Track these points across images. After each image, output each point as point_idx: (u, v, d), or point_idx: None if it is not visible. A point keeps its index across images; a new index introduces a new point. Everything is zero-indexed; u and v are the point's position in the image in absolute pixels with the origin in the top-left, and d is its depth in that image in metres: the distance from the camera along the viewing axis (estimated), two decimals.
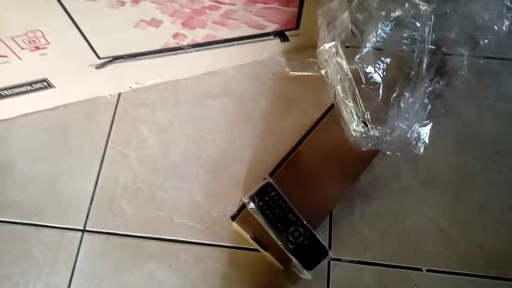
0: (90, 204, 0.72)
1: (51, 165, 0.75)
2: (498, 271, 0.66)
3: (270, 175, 0.69)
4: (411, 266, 0.67)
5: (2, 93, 0.72)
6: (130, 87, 0.80)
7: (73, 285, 0.66)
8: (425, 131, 0.74)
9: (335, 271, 0.66)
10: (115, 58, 0.72)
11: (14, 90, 0.72)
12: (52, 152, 0.76)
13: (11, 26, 0.59)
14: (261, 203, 0.64)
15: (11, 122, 0.78)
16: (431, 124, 0.73)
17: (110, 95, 0.80)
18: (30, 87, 0.73)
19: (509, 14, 0.81)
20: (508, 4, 0.81)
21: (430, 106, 0.74)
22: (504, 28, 0.80)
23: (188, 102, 0.80)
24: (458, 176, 0.73)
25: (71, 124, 0.78)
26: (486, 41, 0.81)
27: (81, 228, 0.70)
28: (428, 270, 0.66)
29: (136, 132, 0.77)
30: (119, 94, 0.80)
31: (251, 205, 0.64)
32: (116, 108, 0.79)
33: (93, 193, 0.72)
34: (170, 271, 0.67)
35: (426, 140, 0.73)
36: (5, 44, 0.62)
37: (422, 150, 0.72)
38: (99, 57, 0.70)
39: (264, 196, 0.65)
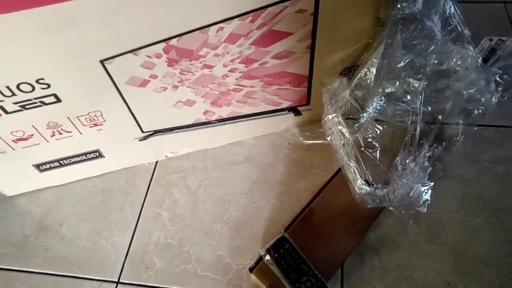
0: (125, 258, 0.81)
1: (95, 223, 0.86)
2: None
3: (285, 230, 0.77)
4: None
5: (62, 162, 0.87)
6: (166, 156, 0.94)
7: None
8: (426, 191, 0.81)
9: None
10: (156, 132, 0.87)
11: (72, 160, 0.87)
12: (97, 212, 0.87)
13: (79, 108, 0.75)
14: (276, 255, 0.71)
15: (65, 187, 0.92)
16: (432, 184, 0.81)
17: (148, 163, 0.94)
18: (84, 157, 0.88)
19: (498, 88, 0.93)
20: (497, 79, 0.93)
21: (430, 168, 0.82)
22: (493, 99, 0.91)
23: (214, 168, 0.92)
24: (462, 233, 0.78)
25: (114, 188, 0.91)
26: (479, 111, 0.92)
27: (116, 280, 0.78)
28: None
29: (169, 194, 0.89)
30: (156, 162, 0.94)
31: (267, 257, 0.71)
32: (153, 174, 0.92)
33: (129, 248, 0.82)
34: None
35: (428, 198, 0.80)
36: (72, 122, 0.78)
37: (425, 208, 0.79)
38: (143, 131, 0.86)
39: (279, 249, 0.72)
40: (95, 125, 0.80)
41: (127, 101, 0.77)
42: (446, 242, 0.77)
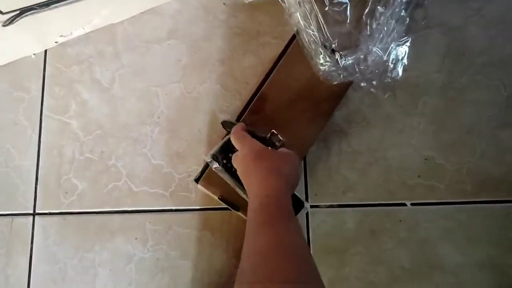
0: (36, 184, 0.63)
1: None
2: (489, 195, 0.62)
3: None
4: (394, 202, 0.62)
5: None
6: (56, 42, 0.67)
7: (34, 274, 0.61)
8: (403, 50, 0.64)
9: (314, 219, 0.62)
10: (24, 11, 0.58)
11: None
12: None
13: None
14: (225, 161, 0.56)
15: None
16: (409, 40, 0.63)
17: (34, 54, 0.68)
18: None
19: None
20: None
21: (408, 19, 0.64)
22: None
23: (129, 51, 0.68)
24: (443, 97, 0.65)
25: None
26: None
27: (31, 212, 0.63)
28: (412, 204, 0.62)
29: (73, 94, 0.66)
30: (45, 51, 0.68)
31: (215, 164, 0.56)
32: (44, 69, 0.67)
33: (37, 172, 0.64)
34: (138, 244, 0.61)
35: (405, 60, 0.64)
36: None
37: (401, 73, 0.64)
38: (1, 12, 0.57)
39: (228, 153, 0.57)
40: None
41: None
42: (425, 111, 0.65)
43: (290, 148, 0.54)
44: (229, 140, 0.57)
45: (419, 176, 0.63)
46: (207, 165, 0.59)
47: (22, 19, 0.59)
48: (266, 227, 0.42)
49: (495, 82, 0.66)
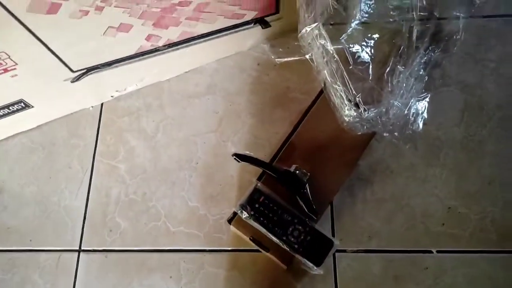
0: (83, 222, 0.70)
1: (41, 186, 0.73)
2: None
3: (259, 178, 0.65)
4: (420, 249, 0.63)
5: None
6: (111, 96, 0.77)
7: None
8: (423, 105, 0.70)
9: (341, 263, 0.64)
10: (90, 70, 0.69)
11: None
12: (41, 173, 0.74)
13: None
14: (252, 212, 0.61)
15: None
16: (429, 96, 0.69)
17: (92, 107, 0.77)
18: (7, 109, 0.70)
19: None
20: None
21: (426, 77, 0.70)
22: None
23: (173, 104, 0.76)
24: (464, 149, 0.69)
25: (57, 142, 0.76)
26: None
27: (77, 248, 0.68)
28: (438, 251, 0.63)
29: (123, 142, 0.74)
30: (102, 104, 0.78)
31: (244, 214, 0.61)
32: (100, 120, 0.76)
33: (85, 211, 0.70)
34: (172, 282, 0.65)
35: (425, 114, 0.69)
36: None
37: (421, 126, 0.68)
38: (72, 71, 0.67)
39: (254, 203, 0.62)
40: (5, 70, 0.62)
41: (38, 35, 0.58)
42: (446, 162, 0.68)
43: (317, 190, 0.58)
44: (255, 189, 0.62)
45: (443, 224, 0.65)
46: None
47: (87, 77, 0.70)
48: None
49: None
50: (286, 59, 0.77)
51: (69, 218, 0.70)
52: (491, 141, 0.69)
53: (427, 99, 0.69)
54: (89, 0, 0.56)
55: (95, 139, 0.75)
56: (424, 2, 0.72)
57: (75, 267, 0.67)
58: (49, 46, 0.61)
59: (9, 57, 0.60)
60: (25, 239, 0.69)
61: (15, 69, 0.62)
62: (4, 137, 0.76)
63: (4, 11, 0.52)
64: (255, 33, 0.77)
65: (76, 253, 0.68)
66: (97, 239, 0.68)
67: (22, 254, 0.69)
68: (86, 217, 0.70)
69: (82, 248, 0.68)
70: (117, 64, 0.71)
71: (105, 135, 0.75)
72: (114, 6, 0.59)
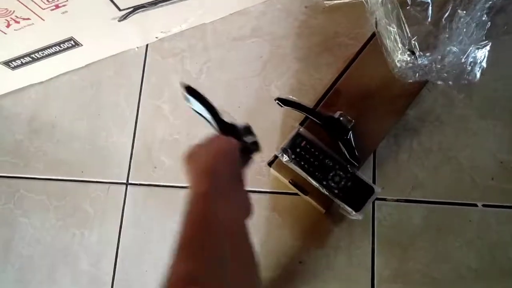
0: (130, 158, 0.73)
1: (90, 122, 0.76)
2: None
3: (302, 123, 0.65)
4: (465, 202, 0.62)
5: (34, 56, 0.72)
6: (156, 37, 0.77)
7: (123, 235, 0.69)
8: (482, 54, 0.65)
9: (380, 211, 0.63)
10: (136, 8, 0.69)
11: (45, 52, 0.72)
12: (89, 110, 0.76)
13: None
14: (293, 156, 0.61)
15: (48, 84, 0.79)
16: (489, 44, 0.64)
17: (137, 47, 0.78)
18: (58, 47, 0.72)
19: None
20: None
21: (489, 23, 0.64)
22: None
23: (217, 47, 0.75)
24: None
25: (104, 81, 0.78)
26: None
27: (125, 181, 0.72)
28: (484, 206, 0.61)
29: (167, 83, 0.75)
30: (147, 45, 0.78)
31: (285, 157, 0.61)
32: (145, 61, 0.77)
33: (132, 148, 0.73)
34: None
35: (484, 64, 0.64)
36: (26, 6, 0.60)
37: (478, 75, 0.64)
38: (119, 9, 0.68)
39: (296, 148, 0.61)
40: (57, 7, 0.63)
41: None
42: (502, 116, 0.64)
43: (361, 137, 0.57)
44: (297, 133, 0.61)
45: (492, 179, 0.62)
46: None
47: (134, 15, 0.70)
48: None
49: None
50: (335, 1, 0.74)
51: (116, 153, 0.73)
52: None
53: (488, 48, 0.64)
54: None
55: (140, 79, 0.76)
56: None
57: (123, 199, 0.71)
58: None
59: None
60: (76, 170, 0.74)
61: (65, 5, 0.63)
62: (56, 74, 0.79)
63: None
64: None
65: (124, 186, 0.72)
66: (143, 174, 0.72)
67: (74, 184, 0.73)
68: (133, 153, 0.73)
69: (130, 181, 0.72)
70: (162, 4, 0.70)
71: (150, 75, 0.76)
72: None
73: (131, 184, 0.72)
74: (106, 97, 0.77)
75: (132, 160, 0.73)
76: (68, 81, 0.79)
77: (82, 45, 0.73)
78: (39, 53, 0.72)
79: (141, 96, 0.75)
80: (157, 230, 0.69)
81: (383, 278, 0.61)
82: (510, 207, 0.61)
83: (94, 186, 0.72)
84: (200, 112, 0.49)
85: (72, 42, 0.72)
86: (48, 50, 0.72)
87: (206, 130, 0.70)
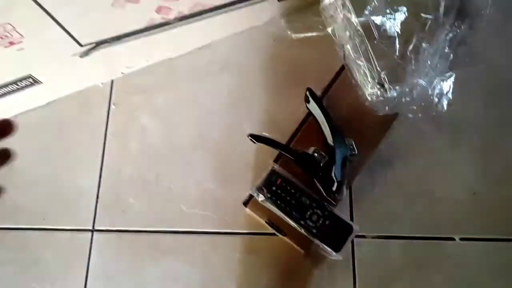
0: (96, 201, 0.68)
1: (52, 165, 0.71)
2: None
3: (276, 160, 0.63)
4: (442, 236, 0.61)
5: None
6: (122, 73, 0.74)
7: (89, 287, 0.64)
8: (448, 85, 0.66)
9: (360, 249, 0.62)
10: (99, 44, 0.66)
11: (1, 91, 0.68)
12: (51, 151, 0.72)
13: None
14: (269, 195, 0.59)
15: None
16: (454, 76, 0.65)
17: (102, 83, 0.75)
18: (16, 85, 0.68)
19: None
20: None
21: (452, 55, 0.66)
22: None
23: (185, 82, 0.73)
24: (489, 132, 0.66)
25: (67, 120, 0.74)
26: None
27: (90, 228, 0.67)
28: (462, 239, 0.61)
29: (134, 120, 0.72)
30: (112, 81, 0.75)
31: (260, 196, 0.59)
32: (110, 97, 0.74)
33: (98, 190, 0.69)
34: (186, 264, 0.64)
35: (450, 95, 0.65)
36: None
37: (445, 107, 0.65)
38: (81, 45, 0.65)
39: (271, 186, 0.59)
40: (11, 43, 0.59)
41: (44, 6, 0.55)
42: (472, 145, 0.65)
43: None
44: (272, 171, 0.60)
45: (467, 211, 0.62)
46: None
47: (96, 51, 0.67)
48: None
49: None
50: (303, 35, 0.74)
51: (81, 196, 0.69)
52: None
53: (452, 79, 0.65)
54: None
55: (106, 117, 0.73)
56: None
57: (88, 247, 0.66)
58: (56, 18, 0.58)
59: (14, 29, 0.57)
60: (37, 218, 0.68)
61: (21, 42, 0.59)
62: (13, 114, 0.74)
63: None
64: (270, 7, 0.73)
65: (90, 233, 0.67)
66: (111, 219, 0.67)
67: (34, 233, 0.68)
68: (99, 196, 0.69)
69: (96, 227, 0.67)
70: (127, 38, 0.67)
71: (116, 113, 0.73)
72: None
73: (97, 230, 0.67)
74: (69, 136, 0.73)
75: (98, 204, 0.68)
76: (27, 122, 0.74)
77: (42, 82, 0.69)
78: None
79: (107, 134, 0.72)
80: (128, 282, 0.64)
81: None
82: (487, 239, 0.61)
83: (57, 234, 0.67)
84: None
85: (30, 79, 0.68)
86: (4, 89, 0.68)
87: (176, 168, 0.68)
